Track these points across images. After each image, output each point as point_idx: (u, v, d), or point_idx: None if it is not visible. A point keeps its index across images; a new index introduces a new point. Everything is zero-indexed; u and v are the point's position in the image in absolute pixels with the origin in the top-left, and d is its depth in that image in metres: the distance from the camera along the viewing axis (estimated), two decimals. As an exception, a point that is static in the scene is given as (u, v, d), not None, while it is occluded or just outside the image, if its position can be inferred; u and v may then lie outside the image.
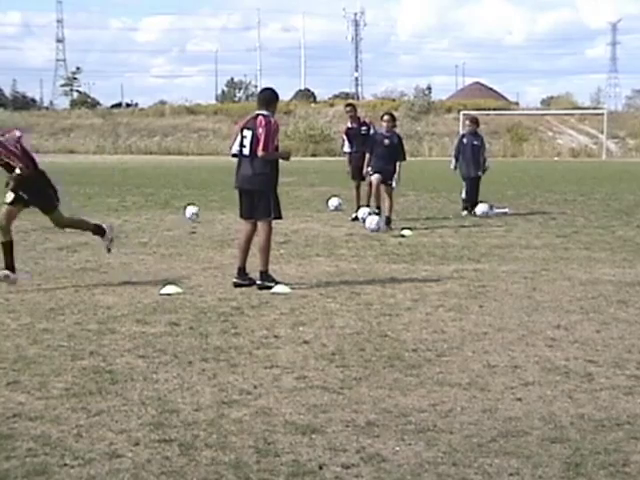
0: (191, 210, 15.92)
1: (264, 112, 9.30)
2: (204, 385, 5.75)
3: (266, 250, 9.28)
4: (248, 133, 9.25)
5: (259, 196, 9.27)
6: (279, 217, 9.48)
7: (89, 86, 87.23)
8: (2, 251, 9.25)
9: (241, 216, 9.57)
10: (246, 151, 9.28)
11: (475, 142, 17.00)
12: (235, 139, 9.44)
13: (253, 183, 9.28)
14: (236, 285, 9.24)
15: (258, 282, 9.20)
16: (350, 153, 16.16)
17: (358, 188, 16.10)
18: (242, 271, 9.35)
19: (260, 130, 9.13)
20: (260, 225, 9.31)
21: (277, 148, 9.40)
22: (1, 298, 8.64)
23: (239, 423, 5.01)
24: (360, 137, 15.79)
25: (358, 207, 15.83)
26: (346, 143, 16.25)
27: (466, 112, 53.54)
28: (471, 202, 16.98)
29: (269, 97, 9.48)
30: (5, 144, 9.07)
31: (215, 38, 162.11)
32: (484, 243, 12.98)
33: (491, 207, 17.14)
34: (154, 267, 10.63)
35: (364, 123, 16.25)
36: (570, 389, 5.69)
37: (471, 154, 16.93)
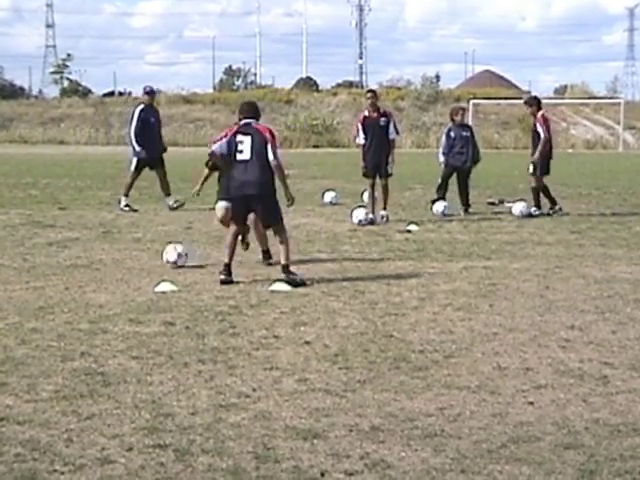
0: None
1: (254, 121, 9.64)
2: (200, 388, 5.76)
3: (288, 247, 9.54)
4: (246, 138, 9.46)
5: (267, 202, 9.50)
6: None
7: (80, 74, 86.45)
8: None
9: (233, 220, 9.73)
10: (244, 156, 9.45)
11: (464, 134, 16.72)
12: (218, 142, 9.64)
13: (258, 188, 9.45)
14: (224, 282, 9.28)
15: (282, 276, 9.34)
16: (364, 145, 15.27)
17: (373, 187, 15.25)
18: (229, 267, 9.43)
19: (268, 135, 9.49)
20: (276, 230, 9.59)
21: None
22: (-12, 296, 8.65)
23: (237, 428, 5.02)
24: (378, 128, 15.20)
25: (373, 208, 15.12)
26: (361, 134, 15.25)
27: (476, 101, 53.55)
28: (465, 195, 16.64)
29: (255, 107, 9.93)
30: None
31: (213, 23, 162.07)
32: (494, 239, 12.97)
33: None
34: (148, 264, 10.64)
35: (384, 114, 15.36)
36: (584, 393, 5.69)
37: (461, 148, 16.55)
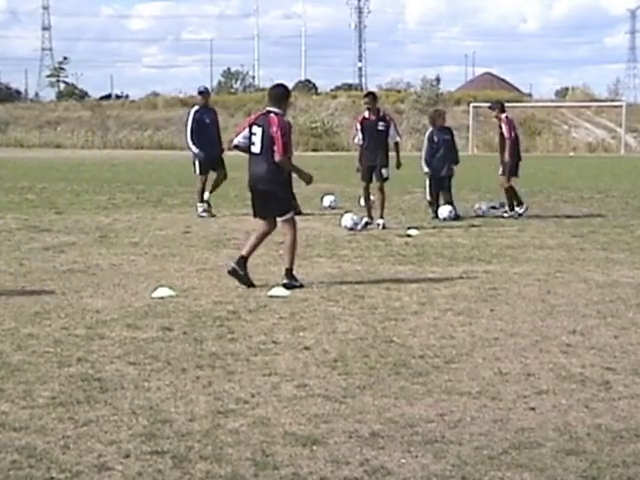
0: None
1: (275, 110, 9.43)
2: (199, 394, 5.76)
3: (292, 248, 9.45)
4: (258, 130, 9.37)
5: (273, 197, 9.45)
6: (298, 212, 9.62)
7: (77, 77, 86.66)
8: None
9: (255, 215, 9.77)
10: (255, 149, 9.42)
11: (446, 137, 16.74)
12: (240, 132, 9.58)
13: (267, 184, 9.42)
14: (231, 273, 9.26)
15: (285, 281, 9.32)
16: (362, 146, 15.13)
17: (367, 189, 15.22)
18: (244, 260, 9.38)
19: (274, 129, 9.23)
20: (283, 224, 9.49)
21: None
22: (-16, 301, 8.65)
23: (236, 434, 5.01)
24: (375, 132, 14.96)
25: (370, 211, 15.04)
26: (359, 134, 15.12)
27: (476, 104, 53.56)
28: (450, 201, 16.59)
29: (281, 93, 9.62)
30: None
31: (212, 26, 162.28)
32: (495, 243, 12.98)
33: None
34: (146, 268, 10.64)
35: (383, 118, 15.17)
36: (586, 398, 5.69)
37: (445, 151, 16.57)
